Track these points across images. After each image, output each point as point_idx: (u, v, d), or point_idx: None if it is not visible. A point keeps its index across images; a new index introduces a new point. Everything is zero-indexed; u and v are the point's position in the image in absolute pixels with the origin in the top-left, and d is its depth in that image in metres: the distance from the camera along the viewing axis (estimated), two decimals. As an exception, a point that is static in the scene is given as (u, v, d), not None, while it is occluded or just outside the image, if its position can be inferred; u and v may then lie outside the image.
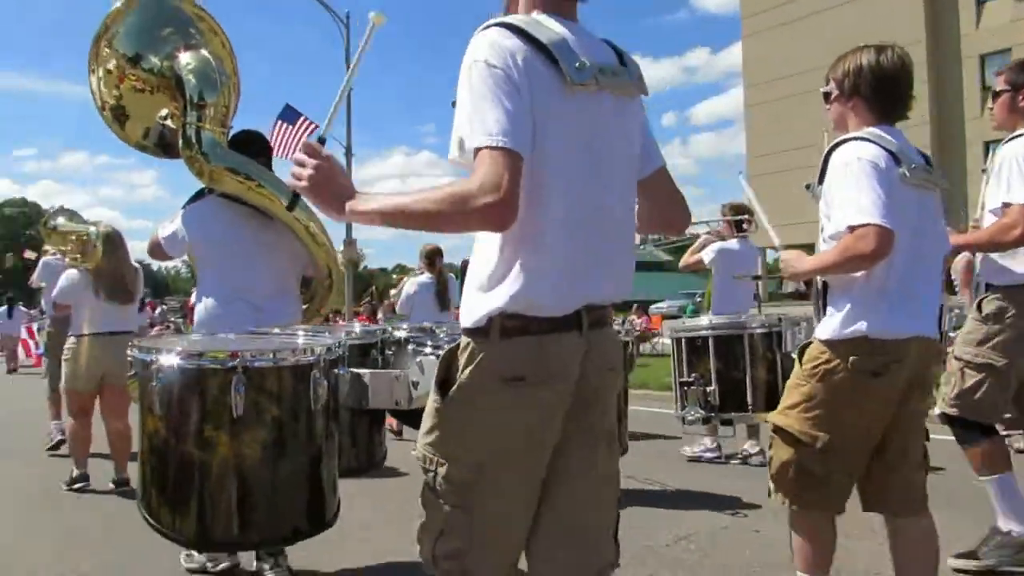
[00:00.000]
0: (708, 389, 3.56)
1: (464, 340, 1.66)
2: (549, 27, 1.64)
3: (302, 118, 18.39)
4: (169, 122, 3.62)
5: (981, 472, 3.31)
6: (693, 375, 3.58)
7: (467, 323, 1.66)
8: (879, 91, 2.49)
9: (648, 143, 1.87)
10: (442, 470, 1.67)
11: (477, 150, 1.52)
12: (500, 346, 1.62)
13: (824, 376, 2.46)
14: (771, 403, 3.33)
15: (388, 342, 2.55)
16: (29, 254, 9.07)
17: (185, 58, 3.54)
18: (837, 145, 2.49)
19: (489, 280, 1.64)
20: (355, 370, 2.30)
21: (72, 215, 6.17)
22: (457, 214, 1.51)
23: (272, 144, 8.98)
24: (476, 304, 1.65)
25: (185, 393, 2.04)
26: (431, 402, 1.71)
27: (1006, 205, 3.14)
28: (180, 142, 3.46)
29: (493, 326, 1.62)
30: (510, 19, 1.64)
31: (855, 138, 2.46)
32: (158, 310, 25.55)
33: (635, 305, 16.87)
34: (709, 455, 5.28)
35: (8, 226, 62.22)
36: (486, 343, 1.63)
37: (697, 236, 6.20)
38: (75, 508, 4.84)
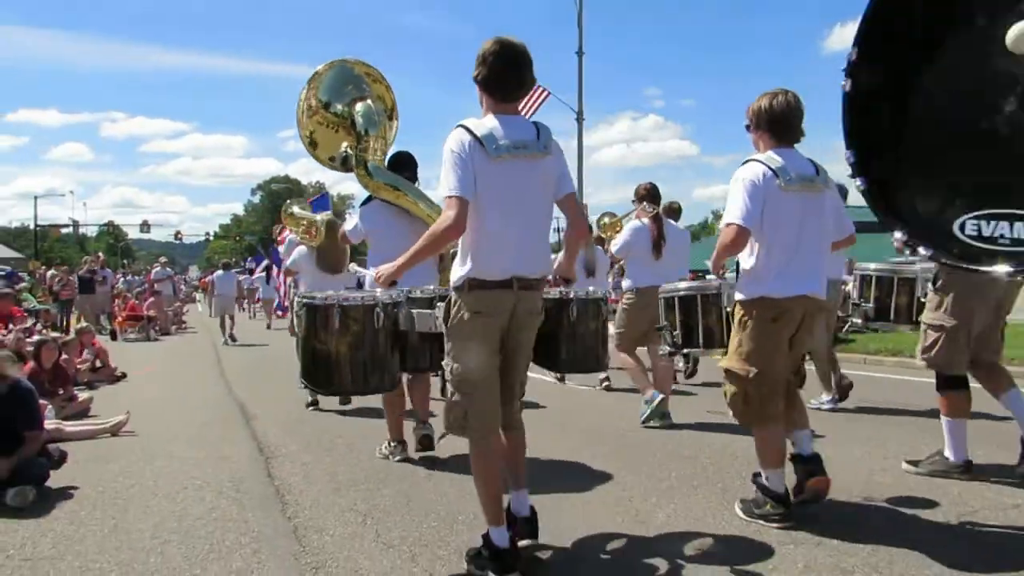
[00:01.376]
0: (673, 332, 4.95)
1: (453, 294, 3.14)
2: (485, 124, 3.07)
3: (535, 86, 19.65)
4: (348, 150, 5.37)
5: (944, 414, 4.37)
6: (665, 323, 4.96)
7: (453, 284, 3.14)
8: (773, 126, 3.57)
9: (563, 178, 3.27)
10: (450, 367, 3.14)
11: (445, 197, 3.01)
12: (470, 295, 3.09)
13: (744, 326, 3.68)
14: (714, 342, 4.50)
15: (443, 296, 3.72)
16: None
17: (358, 106, 5.40)
18: (742, 164, 3.60)
19: (461, 262, 3.11)
20: (410, 309, 3.77)
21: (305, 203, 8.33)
22: (438, 236, 3.06)
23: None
24: (457, 274, 3.12)
25: (310, 316, 3.64)
26: (444, 331, 3.18)
27: None
28: (353, 164, 5.29)
29: (465, 285, 3.09)
30: (466, 122, 3.08)
31: (750, 160, 3.56)
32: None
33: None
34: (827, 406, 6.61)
35: (274, 200, 69.65)
36: (463, 294, 3.11)
37: None
38: (346, 453, 5.35)
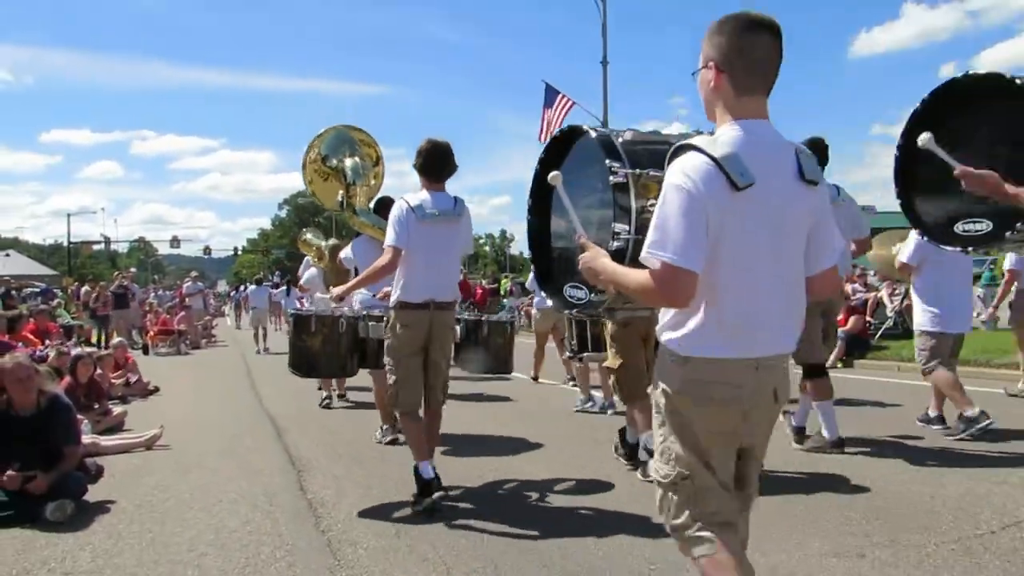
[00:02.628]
0: (572, 342, 6.44)
1: (391, 311, 4.46)
2: (419, 197, 4.40)
3: (559, 96, 19.01)
4: (341, 197, 6.79)
5: (813, 399, 5.39)
6: (566, 335, 6.38)
7: (390, 304, 4.46)
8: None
9: (471, 239, 4.85)
10: (386, 358, 4.47)
11: (385, 246, 4.38)
12: (400, 313, 4.39)
13: (611, 330, 4.95)
14: (602, 347, 5.57)
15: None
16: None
17: (348, 162, 6.87)
18: None
19: (395, 290, 4.41)
20: (368, 322, 5.42)
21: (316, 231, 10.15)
22: (376, 271, 4.47)
23: (541, 130, 18.33)
24: (392, 298, 4.44)
25: (297, 323, 5.58)
26: (384, 335, 4.56)
27: None
28: (345, 207, 6.75)
29: (398, 306, 4.39)
30: (406, 196, 4.45)
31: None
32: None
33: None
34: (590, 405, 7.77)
35: (300, 214, 71.38)
36: (396, 312, 4.40)
37: None
38: (377, 466, 5.40)
